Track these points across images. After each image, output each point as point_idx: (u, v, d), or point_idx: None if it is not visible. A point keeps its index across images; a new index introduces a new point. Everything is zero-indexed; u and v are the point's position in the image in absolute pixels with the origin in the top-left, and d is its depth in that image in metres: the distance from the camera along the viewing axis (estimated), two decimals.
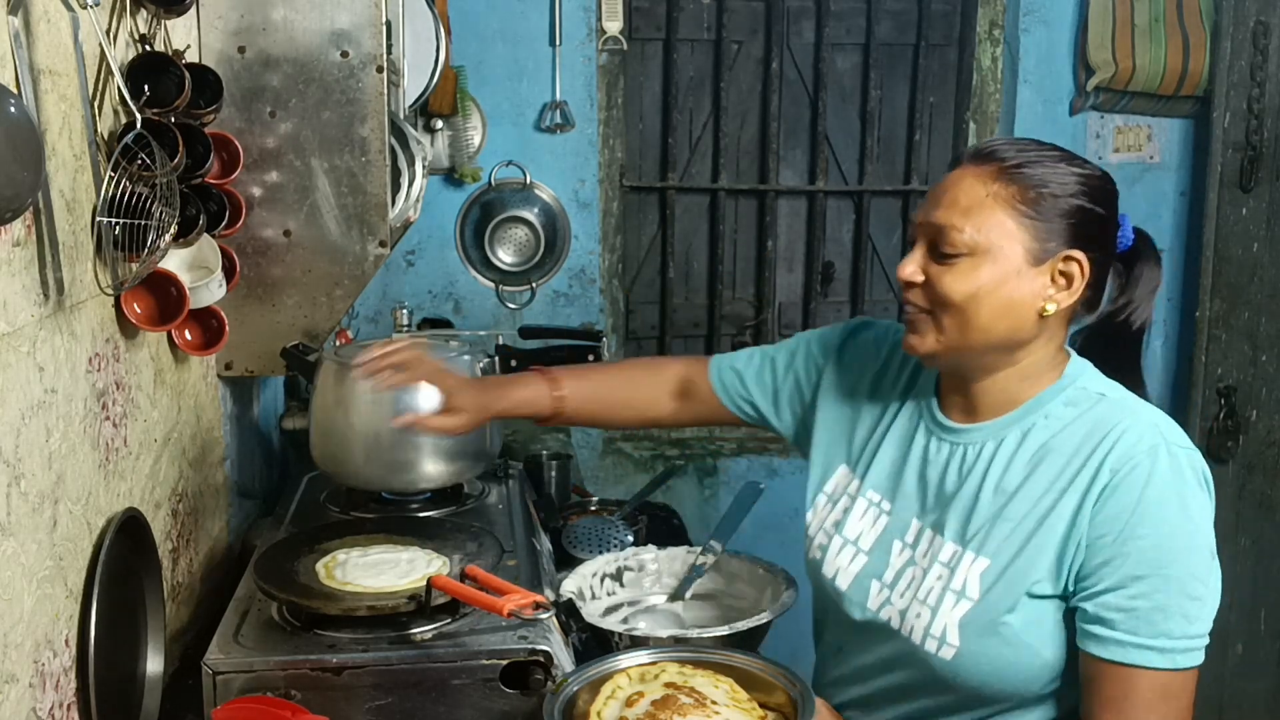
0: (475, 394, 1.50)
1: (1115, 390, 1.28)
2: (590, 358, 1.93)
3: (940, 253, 1.24)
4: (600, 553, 1.84)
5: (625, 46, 3.03)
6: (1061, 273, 1.22)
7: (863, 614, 1.34)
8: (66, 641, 1.25)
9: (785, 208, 3.31)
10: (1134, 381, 1.32)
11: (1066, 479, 1.22)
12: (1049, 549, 1.20)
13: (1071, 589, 1.20)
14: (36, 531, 1.17)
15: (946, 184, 1.26)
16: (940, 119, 3.34)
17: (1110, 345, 1.33)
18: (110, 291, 1.36)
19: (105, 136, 1.36)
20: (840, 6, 3.20)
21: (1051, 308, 1.23)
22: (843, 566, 1.37)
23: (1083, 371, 1.29)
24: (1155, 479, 1.17)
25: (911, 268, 1.26)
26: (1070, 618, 1.21)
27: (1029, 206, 1.21)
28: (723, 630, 1.50)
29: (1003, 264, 1.21)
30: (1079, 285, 1.23)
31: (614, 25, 2.99)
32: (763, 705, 1.21)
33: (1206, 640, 1.17)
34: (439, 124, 2.87)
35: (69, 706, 1.25)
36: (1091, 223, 1.23)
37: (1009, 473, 1.26)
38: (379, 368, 1.46)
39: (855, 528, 1.38)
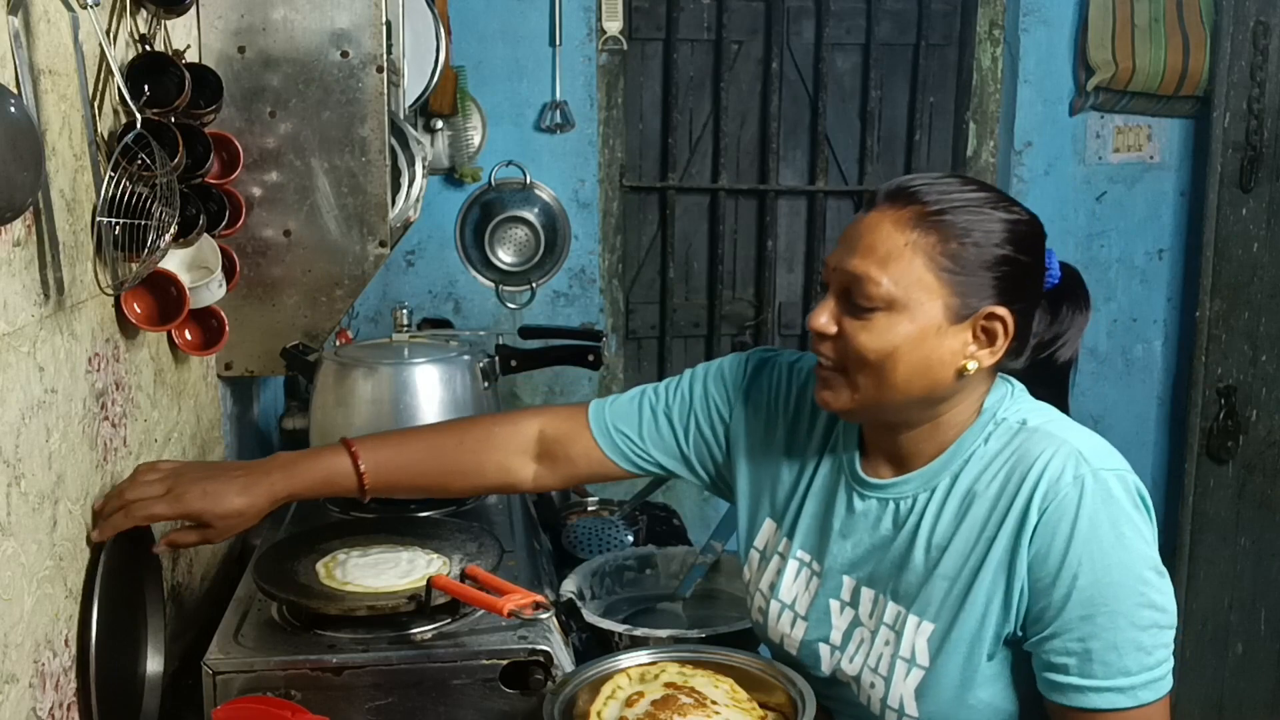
0: (237, 496, 1.31)
1: (1037, 414, 1.21)
2: (590, 358, 1.93)
3: (854, 304, 1.16)
4: (600, 553, 1.85)
5: (625, 46, 3.03)
6: (984, 330, 1.16)
7: (818, 676, 1.29)
8: (66, 641, 1.25)
9: (785, 208, 3.31)
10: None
11: (994, 525, 1.16)
12: (990, 603, 1.15)
13: (1023, 633, 1.16)
14: (36, 531, 1.17)
15: (862, 228, 1.17)
16: (940, 119, 3.33)
17: (1034, 380, 1.27)
18: (110, 291, 1.36)
19: (105, 136, 1.36)
20: (840, 6, 3.20)
21: (973, 366, 1.16)
22: (786, 633, 1.32)
23: (1002, 399, 1.22)
24: (1084, 511, 1.11)
25: (824, 318, 1.18)
26: (1027, 658, 1.17)
27: (950, 260, 1.14)
28: (722, 630, 1.50)
29: (920, 321, 1.14)
30: (1002, 343, 1.17)
31: (614, 25, 2.99)
32: (763, 705, 1.21)
33: (1170, 663, 1.13)
34: (439, 124, 2.87)
35: (69, 706, 1.25)
36: (1016, 273, 1.16)
37: (939, 526, 1.20)
38: (109, 511, 1.29)
39: (790, 591, 1.32)
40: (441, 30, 2.37)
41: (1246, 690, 3.23)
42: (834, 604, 1.27)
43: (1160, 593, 1.13)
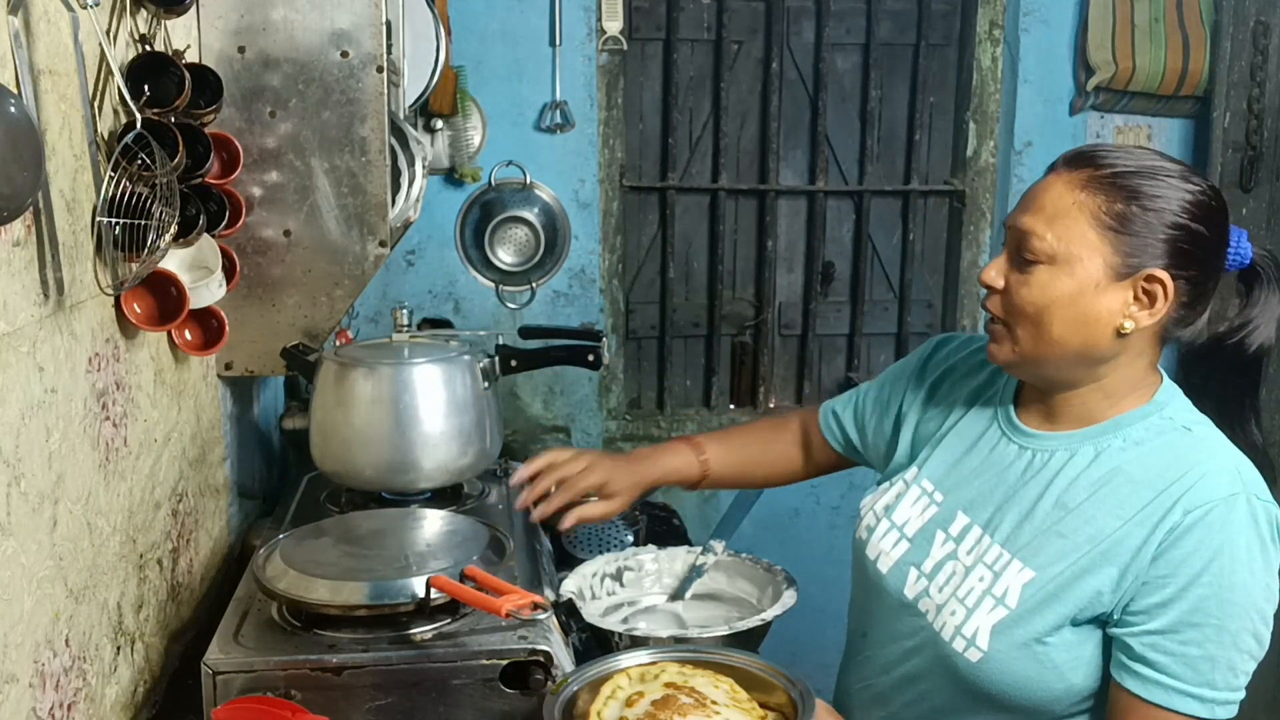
0: (628, 473, 1.57)
1: (1202, 426, 1.23)
2: (590, 358, 1.93)
3: (1021, 259, 1.22)
4: (600, 553, 1.84)
5: (625, 46, 3.03)
6: (1145, 291, 1.18)
7: (899, 599, 1.34)
8: (66, 641, 1.25)
9: (785, 208, 3.31)
10: (1241, 409, 1.27)
11: (1134, 508, 1.18)
12: (1101, 576, 1.18)
13: (1116, 617, 1.18)
14: (36, 531, 1.17)
15: (1038, 188, 1.23)
16: (940, 119, 3.33)
17: (1220, 367, 1.27)
18: (110, 291, 1.36)
19: (105, 136, 1.36)
20: (840, 6, 3.20)
21: (1130, 325, 1.19)
22: (885, 550, 1.37)
23: (1172, 399, 1.25)
24: (1230, 528, 1.14)
25: (993, 272, 1.25)
26: (1108, 645, 1.20)
27: (1114, 219, 1.17)
28: (723, 630, 1.50)
29: (1080, 277, 1.18)
30: (1162, 306, 1.18)
31: (614, 25, 2.99)
32: (763, 705, 1.21)
33: (1244, 694, 1.17)
34: (439, 124, 2.87)
35: (69, 707, 1.25)
36: (1186, 241, 1.17)
37: (1074, 488, 1.23)
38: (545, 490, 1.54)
39: (904, 514, 1.38)
40: (441, 30, 2.37)
41: (1247, 690, 3.22)
42: (940, 534, 1.33)
43: (1267, 628, 1.16)
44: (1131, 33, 3.07)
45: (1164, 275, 1.17)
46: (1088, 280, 1.18)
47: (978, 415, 1.38)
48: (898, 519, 1.38)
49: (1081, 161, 1.21)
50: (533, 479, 1.56)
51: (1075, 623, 1.19)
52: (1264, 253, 1.26)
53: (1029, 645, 1.20)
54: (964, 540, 1.30)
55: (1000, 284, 1.24)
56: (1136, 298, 1.19)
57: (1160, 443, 1.21)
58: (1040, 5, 3.14)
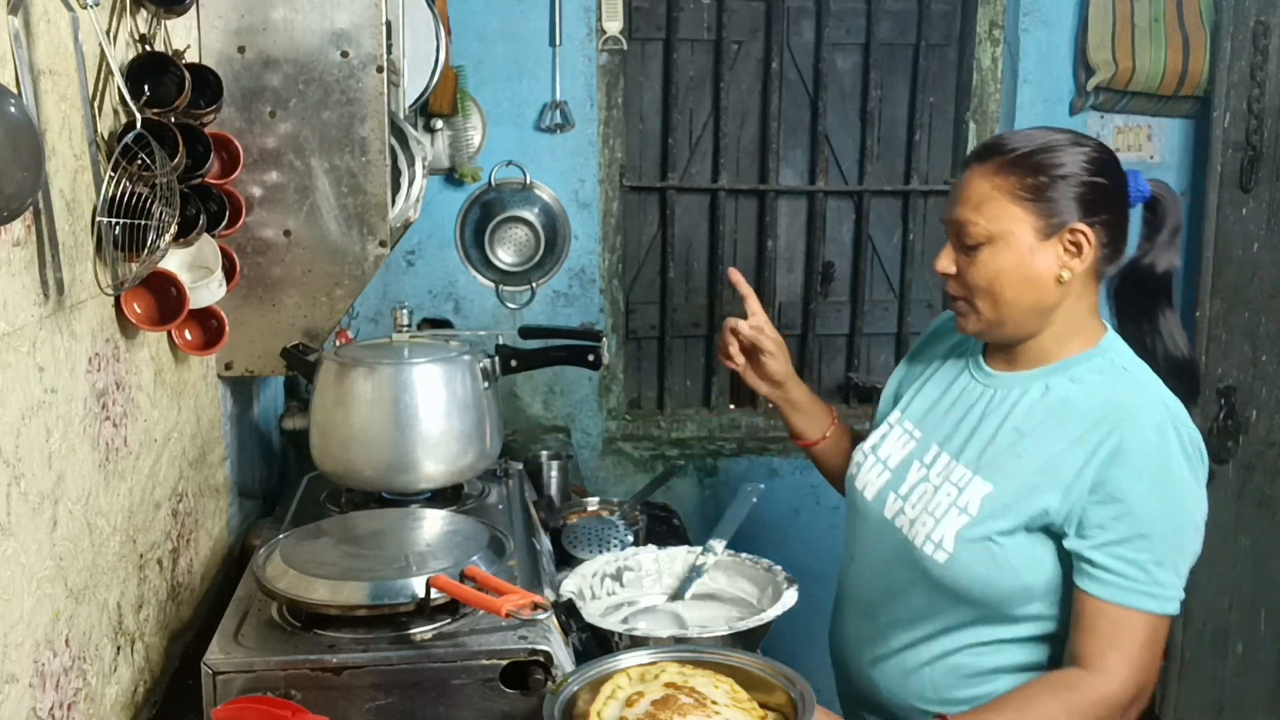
0: (793, 378, 1.77)
1: (1138, 368, 1.45)
2: (590, 358, 1.93)
3: (964, 245, 1.43)
4: (600, 553, 1.85)
5: (625, 46, 3.03)
6: (1071, 243, 1.40)
7: (879, 520, 1.54)
8: (66, 641, 1.25)
9: (785, 208, 3.31)
10: (1164, 322, 1.49)
11: (1076, 434, 1.39)
12: (1049, 490, 1.38)
13: (1069, 531, 1.38)
14: (36, 531, 1.17)
15: (960, 184, 1.46)
16: (940, 119, 3.33)
17: (1138, 289, 1.50)
18: (110, 291, 1.36)
19: (105, 136, 1.37)
20: (840, 6, 3.20)
21: (1067, 274, 1.41)
22: (870, 481, 1.59)
23: (1113, 346, 1.47)
24: (1163, 454, 1.35)
25: (945, 262, 1.47)
26: (1062, 556, 1.39)
27: (1028, 192, 1.39)
28: (723, 630, 1.50)
29: (1015, 246, 1.40)
30: (1089, 251, 1.41)
31: (614, 25, 2.99)
32: (763, 705, 1.21)
33: (1184, 594, 1.37)
34: (439, 124, 2.87)
35: (69, 706, 1.25)
36: (1091, 192, 1.40)
37: (1028, 417, 1.44)
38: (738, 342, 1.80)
39: (888, 449, 1.60)
40: (441, 30, 2.37)
41: (1246, 690, 3.23)
42: (916, 464, 1.55)
43: (1199, 533, 1.39)
44: (1131, 33, 3.07)
45: (1083, 226, 1.40)
46: (1023, 248, 1.40)
47: (953, 365, 1.61)
48: (882, 454, 1.60)
49: (989, 152, 1.44)
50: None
51: (1028, 529, 1.40)
52: (1160, 184, 1.49)
53: (985, 543, 1.41)
54: (934, 466, 1.51)
55: (953, 270, 1.46)
56: (1066, 249, 1.41)
57: (1101, 380, 1.43)
58: (1040, 5, 3.14)
